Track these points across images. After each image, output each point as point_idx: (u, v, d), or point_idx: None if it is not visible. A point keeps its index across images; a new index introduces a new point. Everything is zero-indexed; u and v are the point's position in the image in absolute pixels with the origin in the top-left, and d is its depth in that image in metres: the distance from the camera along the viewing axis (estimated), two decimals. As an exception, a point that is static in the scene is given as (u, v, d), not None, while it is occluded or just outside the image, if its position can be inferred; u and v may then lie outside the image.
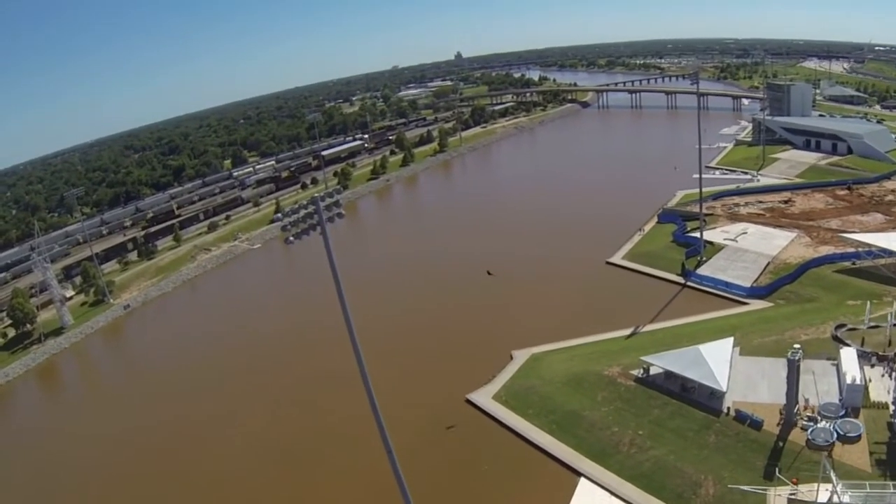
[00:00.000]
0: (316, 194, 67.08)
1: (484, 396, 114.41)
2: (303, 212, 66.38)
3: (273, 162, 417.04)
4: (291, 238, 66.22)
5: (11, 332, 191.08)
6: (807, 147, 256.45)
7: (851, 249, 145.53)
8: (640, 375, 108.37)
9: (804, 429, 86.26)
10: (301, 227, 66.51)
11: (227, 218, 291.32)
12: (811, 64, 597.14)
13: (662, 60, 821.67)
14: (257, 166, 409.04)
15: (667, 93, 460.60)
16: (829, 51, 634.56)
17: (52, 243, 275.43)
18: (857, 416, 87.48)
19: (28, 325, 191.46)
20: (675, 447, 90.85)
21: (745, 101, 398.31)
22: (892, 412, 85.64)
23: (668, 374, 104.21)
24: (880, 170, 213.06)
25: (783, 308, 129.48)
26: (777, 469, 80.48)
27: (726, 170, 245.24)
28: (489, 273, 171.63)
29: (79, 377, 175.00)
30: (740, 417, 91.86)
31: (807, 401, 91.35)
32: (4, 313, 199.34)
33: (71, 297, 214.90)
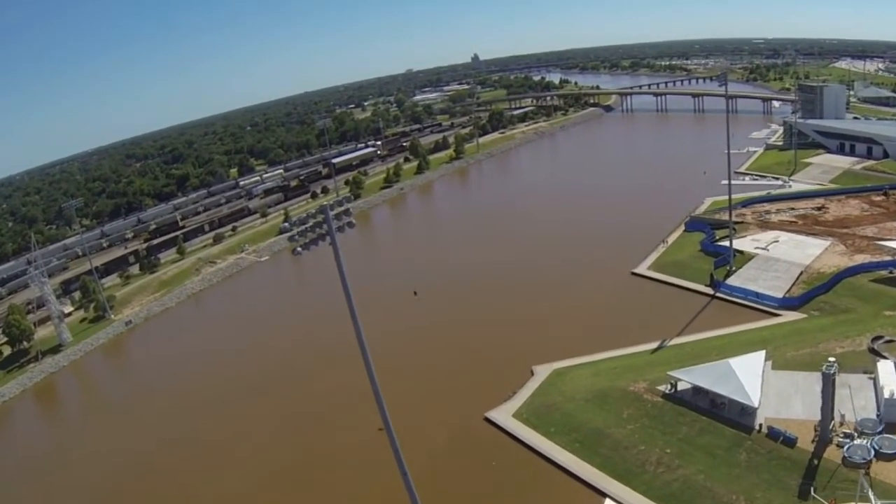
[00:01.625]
0: (325, 203, 67.05)
1: (504, 414, 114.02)
2: (312, 221, 66.29)
3: (281, 170, 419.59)
4: (300, 249, 66.31)
5: (7, 350, 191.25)
6: (841, 151, 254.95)
7: (889, 258, 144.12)
8: (667, 391, 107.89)
9: (840, 446, 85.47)
10: (310, 237, 66.40)
11: (234, 229, 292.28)
12: (844, 64, 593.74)
13: (689, 62, 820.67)
14: (265, 175, 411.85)
15: (694, 95, 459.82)
16: (863, 50, 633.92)
17: (50, 257, 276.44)
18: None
19: (25, 343, 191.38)
20: (705, 466, 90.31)
21: (776, 104, 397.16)
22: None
23: (697, 390, 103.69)
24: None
25: (817, 319, 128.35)
26: (812, 489, 79.89)
27: (756, 175, 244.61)
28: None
29: (78, 397, 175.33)
30: (773, 434, 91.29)
31: (843, 416, 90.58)
32: (0, 330, 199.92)
33: (70, 313, 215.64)
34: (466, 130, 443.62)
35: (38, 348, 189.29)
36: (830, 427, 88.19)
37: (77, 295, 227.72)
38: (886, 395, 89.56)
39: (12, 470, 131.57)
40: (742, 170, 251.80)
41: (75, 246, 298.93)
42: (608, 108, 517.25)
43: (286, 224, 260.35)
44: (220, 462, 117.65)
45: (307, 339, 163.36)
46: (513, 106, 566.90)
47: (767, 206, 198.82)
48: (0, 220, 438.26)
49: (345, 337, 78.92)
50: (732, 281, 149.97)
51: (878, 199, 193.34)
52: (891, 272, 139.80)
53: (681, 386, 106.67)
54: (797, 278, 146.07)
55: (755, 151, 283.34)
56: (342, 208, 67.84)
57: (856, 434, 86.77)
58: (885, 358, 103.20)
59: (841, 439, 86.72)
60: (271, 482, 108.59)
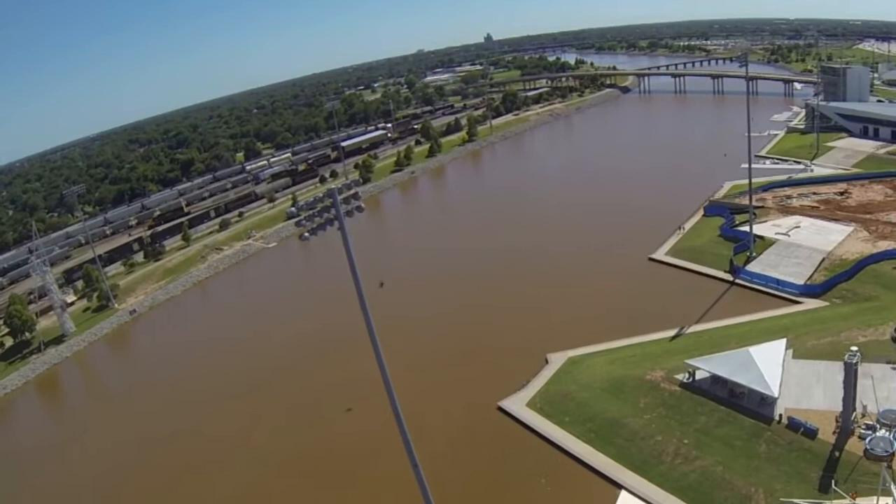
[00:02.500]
0: (333, 186, 66.75)
1: (517, 403, 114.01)
2: (319, 205, 65.82)
3: (289, 154, 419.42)
4: (307, 234, 65.80)
5: (9, 342, 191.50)
6: (864, 135, 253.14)
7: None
8: (684, 380, 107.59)
9: (862, 438, 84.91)
10: (317, 221, 65.86)
11: (240, 215, 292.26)
12: (868, 46, 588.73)
13: (708, 42, 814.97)
14: (272, 159, 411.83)
15: (713, 76, 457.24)
16: (888, 32, 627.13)
17: (52, 245, 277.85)
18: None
19: (27, 334, 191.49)
20: (723, 457, 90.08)
21: (798, 86, 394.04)
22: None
23: (716, 379, 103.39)
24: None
25: (839, 307, 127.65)
26: (833, 481, 79.60)
27: (777, 159, 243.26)
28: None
29: (82, 388, 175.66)
30: (793, 425, 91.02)
31: (865, 407, 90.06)
32: (1, 321, 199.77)
33: (72, 303, 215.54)
34: (479, 112, 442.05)
35: (40, 339, 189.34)
36: (852, 418, 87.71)
37: (80, 284, 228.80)
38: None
39: (15, 465, 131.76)
40: (763, 153, 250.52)
41: (78, 234, 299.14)
42: (625, 90, 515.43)
43: (293, 209, 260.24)
44: (226, 454, 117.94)
45: (316, 327, 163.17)
46: (527, 87, 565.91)
47: (789, 191, 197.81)
48: (0, 209, 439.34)
49: (354, 325, 78.76)
50: (752, 267, 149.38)
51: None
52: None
53: (699, 375, 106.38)
54: (819, 265, 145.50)
55: (776, 135, 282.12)
56: (350, 192, 67.19)
57: (878, 426, 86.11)
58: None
59: (863, 431, 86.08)
60: (279, 474, 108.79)
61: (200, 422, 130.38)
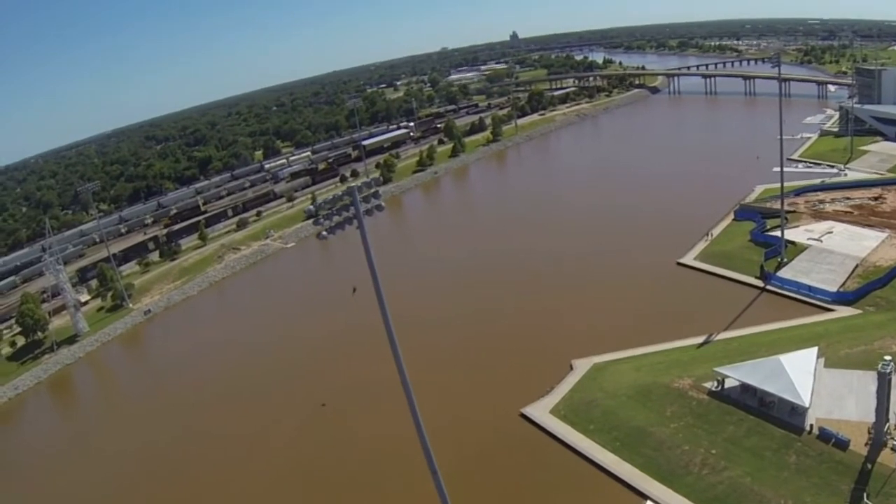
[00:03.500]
0: (353, 184, 66.62)
1: (540, 410, 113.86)
2: (338, 203, 65.48)
3: (309, 153, 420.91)
4: (325, 233, 65.33)
5: (21, 341, 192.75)
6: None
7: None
8: (713, 388, 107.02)
9: (895, 450, 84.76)
10: (336, 220, 65.57)
11: (258, 214, 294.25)
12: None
13: (739, 42, 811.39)
14: (291, 158, 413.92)
15: (745, 77, 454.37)
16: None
17: (66, 243, 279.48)
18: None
19: (39, 333, 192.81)
20: (752, 468, 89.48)
21: (832, 88, 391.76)
22: None
23: (745, 388, 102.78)
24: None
25: (873, 315, 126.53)
26: (865, 494, 79.21)
27: (810, 163, 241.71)
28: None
29: (95, 389, 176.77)
30: (824, 436, 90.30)
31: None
32: (13, 320, 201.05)
33: (86, 302, 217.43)
34: (504, 112, 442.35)
35: (53, 339, 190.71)
36: (885, 429, 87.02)
37: (94, 283, 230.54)
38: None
39: (26, 468, 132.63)
40: (795, 157, 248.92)
41: (92, 232, 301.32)
42: (654, 90, 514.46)
43: (311, 207, 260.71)
44: (241, 458, 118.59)
45: (334, 329, 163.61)
46: (553, 86, 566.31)
47: (821, 195, 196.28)
48: (14, 205, 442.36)
49: (373, 327, 78.83)
50: (784, 273, 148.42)
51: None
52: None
53: (728, 383, 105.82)
54: (852, 272, 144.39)
55: (809, 138, 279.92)
56: (371, 190, 66.88)
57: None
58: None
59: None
60: (294, 479, 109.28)
61: (214, 425, 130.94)
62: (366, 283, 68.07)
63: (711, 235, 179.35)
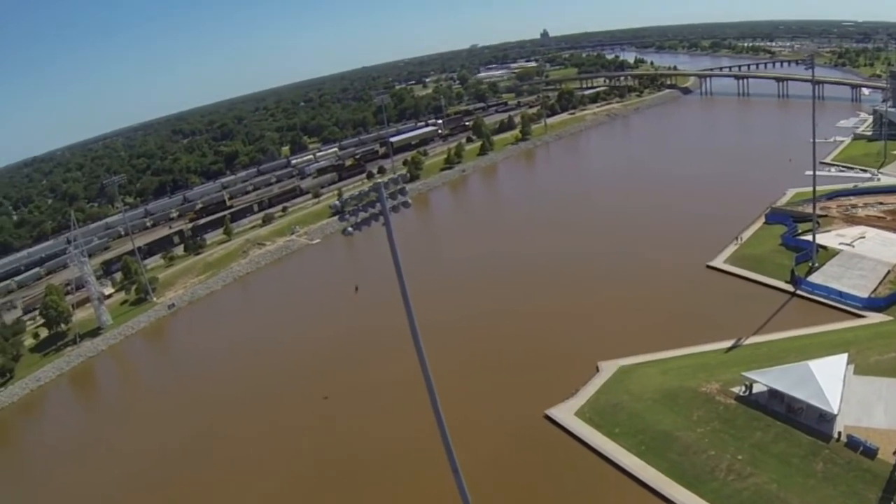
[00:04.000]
0: (380, 181, 66.73)
1: (565, 412, 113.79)
2: (364, 199, 65.73)
3: (336, 149, 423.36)
4: (350, 229, 65.66)
5: (44, 333, 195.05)
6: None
7: None
8: (741, 393, 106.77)
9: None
10: (362, 216, 65.80)
11: (284, 210, 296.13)
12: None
13: (773, 43, 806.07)
14: (318, 153, 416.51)
15: (778, 79, 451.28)
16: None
17: (91, 236, 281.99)
18: None
19: (62, 325, 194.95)
20: (779, 475, 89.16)
21: (866, 91, 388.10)
22: None
23: (773, 393, 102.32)
24: None
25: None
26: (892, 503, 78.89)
27: (843, 167, 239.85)
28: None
29: (116, 384, 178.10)
30: (852, 444, 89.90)
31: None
32: (37, 312, 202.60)
33: (110, 295, 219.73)
34: (534, 110, 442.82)
35: (76, 331, 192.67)
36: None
37: (118, 276, 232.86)
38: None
39: (45, 463, 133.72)
40: (827, 160, 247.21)
41: (117, 225, 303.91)
42: (686, 91, 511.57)
43: (337, 203, 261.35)
44: (259, 457, 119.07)
45: (357, 327, 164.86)
46: (584, 85, 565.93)
47: (854, 200, 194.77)
48: (39, 197, 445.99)
49: (397, 327, 79.17)
50: (814, 278, 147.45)
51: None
52: None
53: (756, 388, 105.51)
54: (884, 278, 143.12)
55: (842, 141, 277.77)
56: (397, 186, 67.18)
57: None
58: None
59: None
60: (317, 477, 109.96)
61: (232, 425, 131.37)
62: (390, 281, 68.37)
63: (741, 239, 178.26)
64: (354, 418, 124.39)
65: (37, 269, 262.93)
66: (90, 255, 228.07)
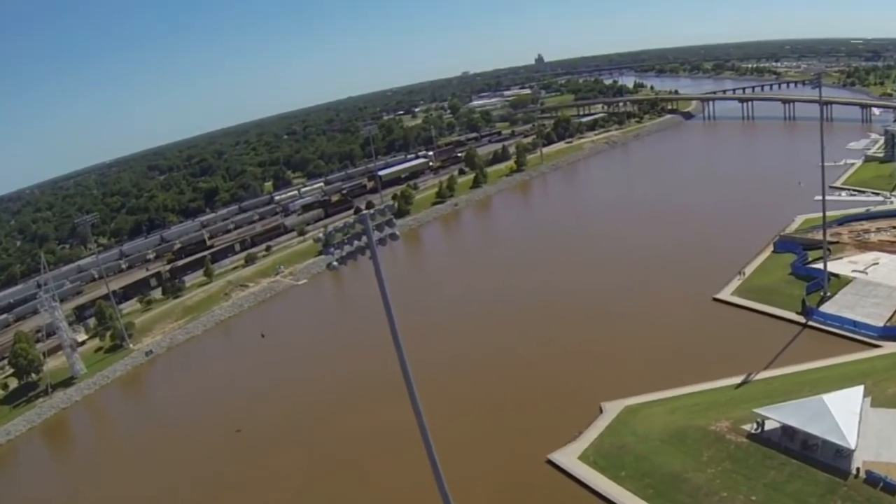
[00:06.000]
0: (366, 212, 66.79)
1: (568, 456, 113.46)
2: (350, 232, 65.77)
3: (321, 184, 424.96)
4: (335, 263, 65.67)
5: (14, 383, 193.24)
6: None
7: None
8: (752, 431, 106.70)
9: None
10: (347, 250, 65.75)
11: (268, 249, 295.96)
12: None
13: (778, 64, 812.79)
14: (303, 189, 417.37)
15: (784, 101, 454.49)
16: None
17: (63, 279, 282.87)
18: None
19: (33, 375, 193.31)
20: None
21: (876, 111, 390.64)
22: None
23: (786, 429, 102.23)
24: None
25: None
26: (915, 541, 78.84)
27: (854, 190, 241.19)
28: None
29: (91, 436, 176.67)
30: (872, 480, 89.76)
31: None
32: (6, 360, 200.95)
33: (83, 342, 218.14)
34: (529, 140, 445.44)
35: (47, 381, 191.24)
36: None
37: (92, 322, 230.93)
38: None
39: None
40: (838, 184, 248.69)
41: (91, 267, 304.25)
42: (688, 116, 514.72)
43: (321, 235, 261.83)
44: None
45: (345, 371, 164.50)
46: (581, 112, 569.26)
47: (866, 225, 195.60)
48: (7, 239, 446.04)
49: (389, 369, 79.19)
50: (827, 308, 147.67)
51: None
52: None
53: (768, 425, 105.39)
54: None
55: (853, 164, 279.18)
56: (384, 218, 67.27)
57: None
58: None
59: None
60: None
61: (218, 471, 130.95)
62: (382, 324, 68.42)
63: (744, 274, 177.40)
64: (344, 467, 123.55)
65: (5, 316, 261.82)
66: (62, 300, 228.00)
